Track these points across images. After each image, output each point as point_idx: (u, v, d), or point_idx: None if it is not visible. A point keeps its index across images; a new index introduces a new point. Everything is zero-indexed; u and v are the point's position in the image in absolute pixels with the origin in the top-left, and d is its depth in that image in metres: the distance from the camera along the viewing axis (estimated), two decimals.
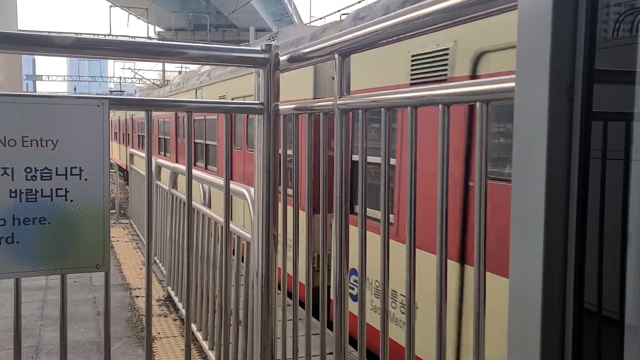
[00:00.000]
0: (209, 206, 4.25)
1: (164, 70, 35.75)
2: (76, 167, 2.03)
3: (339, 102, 1.89)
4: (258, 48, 2.29)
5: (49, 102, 2.01)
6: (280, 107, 2.31)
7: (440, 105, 1.38)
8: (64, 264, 2.05)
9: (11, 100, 1.96)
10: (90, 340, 4.44)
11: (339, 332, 1.97)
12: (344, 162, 1.90)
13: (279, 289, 2.46)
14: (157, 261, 6.56)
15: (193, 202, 4.57)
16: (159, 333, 4.62)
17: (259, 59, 2.26)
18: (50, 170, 2.00)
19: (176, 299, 5.13)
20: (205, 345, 3.96)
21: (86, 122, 2.03)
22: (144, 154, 8.18)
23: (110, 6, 41.71)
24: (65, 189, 2.02)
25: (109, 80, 65.81)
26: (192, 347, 4.38)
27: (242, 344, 3.24)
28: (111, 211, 11.06)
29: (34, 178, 1.98)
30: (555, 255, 0.91)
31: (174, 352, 4.26)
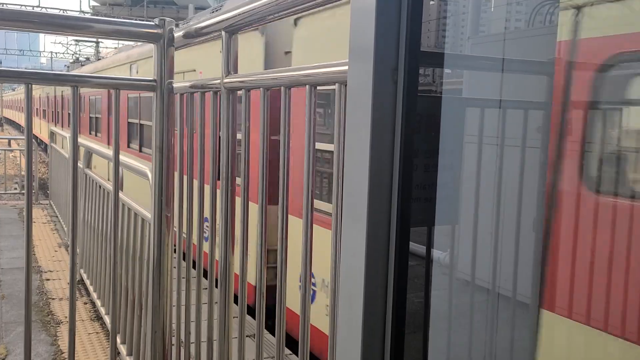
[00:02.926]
0: (121, 188, 4.12)
1: (97, 46, 34.40)
2: None
3: (225, 81, 1.85)
4: (152, 23, 2.21)
5: None
6: (175, 85, 2.25)
7: (307, 86, 1.37)
8: None
9: None
10: None
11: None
12: (230, 141, 1.87)
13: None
14: None
15: (104, 183, 4.43)
16: (66, 317, 4.46)
17: (152, 33, 2.19)
18: None
19: (88, 282, 4.97)
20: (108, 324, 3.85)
21: None
22: (66, 133, 7.82)
23: None
24: None
25: (39, 54, 62.84)
26: (100, 332, 4.26)
27: (144, 328, 3.17)
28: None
29: None
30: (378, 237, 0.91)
31: (80, 336, 4.13)
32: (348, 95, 0.95)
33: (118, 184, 2.36)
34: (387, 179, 0.91)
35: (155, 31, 2.17)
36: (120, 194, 3.86)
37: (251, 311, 2.54)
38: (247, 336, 1.94)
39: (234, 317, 1.95)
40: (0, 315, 4.47)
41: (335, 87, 1.25)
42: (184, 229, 2.35)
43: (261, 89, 1.62)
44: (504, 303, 1.10)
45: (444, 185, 0.96)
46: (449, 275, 1.15)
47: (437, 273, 1.11)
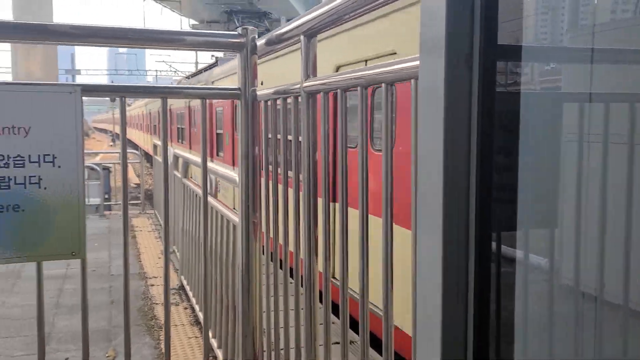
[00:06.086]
0: (215, 196, 4.25)
1: (196, 63, 36.09)
2: (49, 155, 2.03)
3: (304, 84, 1.84)
4: (236, 33, 2.25)
5: (21, 90, 2.02)
6: (258, 92, 2.27)
7: (383, 85, 1.32)
8: (40, 251, 2.06)
9: None
10: (100, 329, 4.52)
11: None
12: (311, 145, 1.85)
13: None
14: (176, 250, 6.63)
15: (200, 192, 4.59)
16: None
17: (236, 43, 2.23)
18: (23, 157, 2.00)
19: (187, 288, 5.17)
20: (210, 333, 3.97)
21: (59, 109, 2.02)
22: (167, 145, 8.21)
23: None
24: (39, 176, 2.03)
25: (145, 73, 66.91)
26: (199, 336, 4.40)
27: (237, 332, 3.23)
28: (137, 202, 11.23)
29: (6, 165, 1.99)
30: (455, 238, 0.85)
31: (180, 340, 4.29)
32: (419, 91, 0.89)
33: (206, 190, 2.41)
34: (464, 179, 0.84)
35: (238, 40, 2.21)
36: (211, 200, 3.99)
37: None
38: (333, 343, 1.90)
39: (320, 324, 1.92)
40: (109, 319, 4.74)
41: (411, 83, 1.19)
42: (272, 234, 2.36)
43: (338, 90, 1.59)
44: (611, 311, 0.99)
45: (530, 186, 0.87)
46: (546, 280, 1.05)
47: (531, 279, 1.02)
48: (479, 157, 0.82)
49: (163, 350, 4.15)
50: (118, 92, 2.15)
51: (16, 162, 2.00)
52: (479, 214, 0.82)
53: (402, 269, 1.65)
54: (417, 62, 1.18)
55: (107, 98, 2.17)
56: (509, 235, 0.83)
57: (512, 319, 0.85)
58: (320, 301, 1.95)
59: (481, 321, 0.86)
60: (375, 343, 2.03)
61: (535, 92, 0.84)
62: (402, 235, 2.55)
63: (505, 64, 0.84)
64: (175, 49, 2.46)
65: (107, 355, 4.12)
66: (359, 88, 1.45)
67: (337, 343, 1.81)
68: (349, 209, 1.59)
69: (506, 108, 0.82)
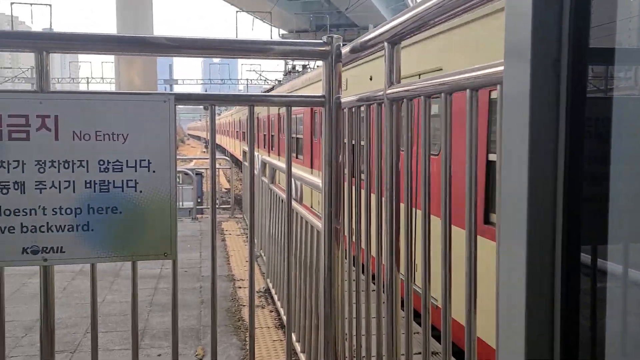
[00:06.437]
0: (300, 201, 4.32)
1: (285, 71, 36.84)
2: (145, 160, 2.15)
3: (388, 91, 1.83)
4: (321, 41, 2.28)
5: (120, 99, 2.15)
6: (342, 100, 2.29)
7: (467, 90, 1.29)
8: (134, 251, 2.18)
9: (86, 97, 2.12)
10: (191, 327, 4.70)
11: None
12: (394, 153, 1.84)
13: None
14: (262, 254, 6.79)
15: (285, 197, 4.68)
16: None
17: (321, 51, 2.26)
18: (121, 162, 2.13)
19: (273, 291, 5.27)
20: (293, 337, 4.03)
21: (154, 117, 2.13)
22: (254, 152, 8.50)
23: (237, 11, 43.77)
24: (135, 180, 2.15)
25: (237, 82, 69.17)
26: (284, 339, 4.48)
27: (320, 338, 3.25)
28: (227, 206, 11.62)
29: (106, 170, 2.12)
30: (540, 247, 0.81)
31: (265, 343, 4.39)
32: (504, 96, 0.87)
33: (290, 194, 2.45)
34: (550, 189, 0.81)
35: (323, 48, 2.24)
36: (296, 205, 4.05)
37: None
38: (415, 353, 1.87)
39: (402, 333, 1.90)
40: (199, 318, 4.92)
41: (497, 88, 1.15)
42: (354, 240, 2.37)
43: (422, 97, 1.57)
44: None
45: (622, 196, 0.82)
46: None
47: (628, 295, 0.96)
48: (567, 165, 0.79)
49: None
50: (208, 100, 2.24)
51: (115, 167, 2.13)
52: (566, 226, 0.79)
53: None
54: (502, 68, 1.15)
55: (201, 106, 2.26)
56: (599, 248, 0.78)
57: (602, 336, 0.81)
58: (402, 308, 1.93)
59: (568, 336, 0.81)
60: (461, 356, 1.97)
61: (629, 97, 0.79)
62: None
63: (596, 68, 0.79)
64: (263, 58, 2.53)
65: (196, 353, 4.28)
66: (442, 94, 1.43)
67: (419, 353, 1.78)
68: (432, 216, 1.57)
69: (597, 115, 0.78)
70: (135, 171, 2.14)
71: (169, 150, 2.16)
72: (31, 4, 39.94)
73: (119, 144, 2.12)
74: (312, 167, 11.44)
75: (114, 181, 2.13)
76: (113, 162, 2.12)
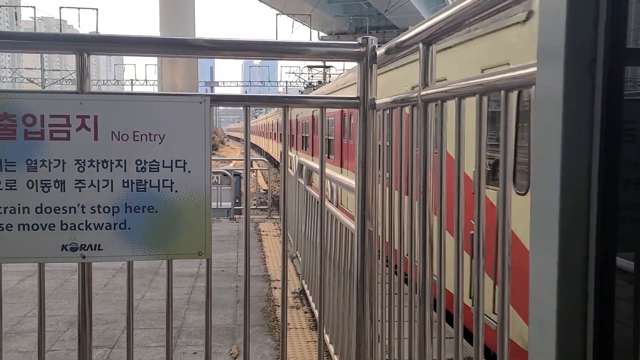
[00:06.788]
0: (337, 204, 4.31)
1: (324, 73, 36.92)
2: (181, 160, 2.18)
3: (422, 93, 1.81)
4: (356, 42, 2.27)
5: (157, 100, 2.18)
6: (377, 101, 2.27)
7: (502, 91, 1.26)
8: (169, 250, 2.21)
9: (124, 98, 2.17)
10: (226, 326, 4.75)
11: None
12: (425, 154, 1.81)
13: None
14: (298, 255, 6.81)
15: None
16: (289, 324, 4.79)
17: (356, 52, 2.25)
18: (158, 162, 2.16)
19: (308, 292, 5.28)
20: (327, 338, 4.03)
21: (190, 118, 2.16)
22: (291, 153, 8.55)
23: (277, 14, 44.12)
24: (171, 180, 2.18)
25: (277, 84, 69.69)
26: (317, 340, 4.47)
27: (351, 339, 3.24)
28: (264, 207, 11.71)
29: (143, 170, 2.16)
30: (573, 252, 0.78)
31: (299, 343, 4.39)
32: (536, 98, 0.84)
33: (324, 195, 2.44)
34: (584, 194, 0.78)
35: (359, 50, 2.22)
36: (330, 206, 4.04)
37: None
38: (448, 359, 1.84)
39: (433, 338, 1.87)
40: (235, 317, 4.97)
41: (532, 90, 1.12)
42: (388, 242, 2.34)
43: (455, 98, 1.54)
44: None
45: None
46: None
47: None
48: (601, 170, 0.76)
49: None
50: (243, 102, 2.26)
51: (151, 166, 2.16)
52: (600, 233, 0.76)
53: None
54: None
55: (241, 108, 2.28)
56: (635, 256, 0.75)
57: (637, 347, 0.77)
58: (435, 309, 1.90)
59: (601, 343, 0.78)
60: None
61: None
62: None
63: (632, 69, 0.76)
64: (300, 60, 2.53)
65: (231, 352, 4.31)
66: (477, 95, 1.40)
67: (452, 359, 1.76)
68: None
69: (633, 117, 0.75)
70: (172, 171, 2.17)
71: (205, 150, 2.18)
72: (78, 8, 41.12)
73: (156, 144, 2.15)
74: (341, 167, 11.55)
75: (150, 181, 2.16)
76: (150, 162, 2.16)
